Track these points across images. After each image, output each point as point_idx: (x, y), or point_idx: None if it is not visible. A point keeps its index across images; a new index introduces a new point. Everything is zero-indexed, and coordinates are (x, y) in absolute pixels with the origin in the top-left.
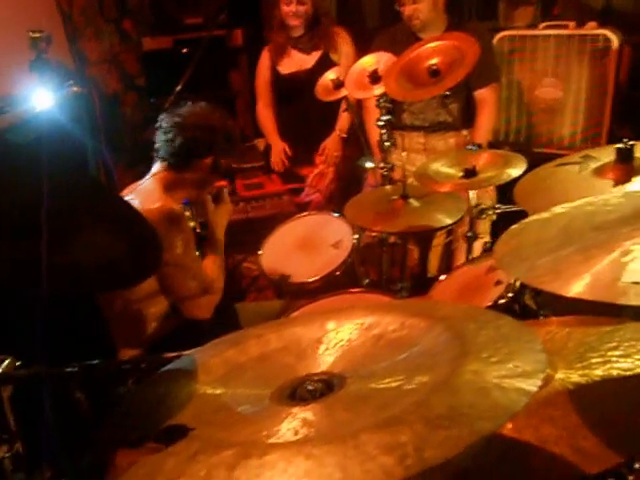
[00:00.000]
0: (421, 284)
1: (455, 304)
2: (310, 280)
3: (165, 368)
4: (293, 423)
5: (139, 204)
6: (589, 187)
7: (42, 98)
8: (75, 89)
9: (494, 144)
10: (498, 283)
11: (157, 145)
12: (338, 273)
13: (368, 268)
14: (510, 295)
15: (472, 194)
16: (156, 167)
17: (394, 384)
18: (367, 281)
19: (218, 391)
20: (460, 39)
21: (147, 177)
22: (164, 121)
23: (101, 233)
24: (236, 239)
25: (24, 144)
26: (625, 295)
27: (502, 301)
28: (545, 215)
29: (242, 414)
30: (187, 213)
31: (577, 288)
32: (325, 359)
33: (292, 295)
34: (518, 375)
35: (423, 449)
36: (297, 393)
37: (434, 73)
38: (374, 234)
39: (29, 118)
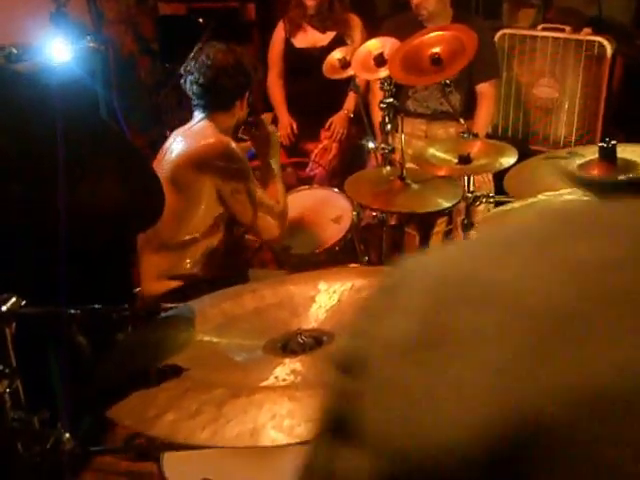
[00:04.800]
0: None
1: None
2: (311, 253)
3: (164, 314)
4: (282, 371)
5: (194, 142)
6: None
7: (60, 50)
8: (92, 44)
9: (492, 138)
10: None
11: (196, 98)
12: (337, 248)
13: (368, 248)
14: None
15: (467, 180)
16: (200, 115)
17: None
18: (366, 259)
19: (214, 339)
20: (462, 31)
21: (194, 122)
22: (195, 73)
23: (108, 178)
24: None
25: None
26: None
27: None
28: (529, 201)
29: (235, 361)
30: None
31: None
32: (316, 317)
33: (292, 267)
34: None
35: None
36: (288, 346)
37: (436, 61)
38: (374, 214)
39: (46, 67)
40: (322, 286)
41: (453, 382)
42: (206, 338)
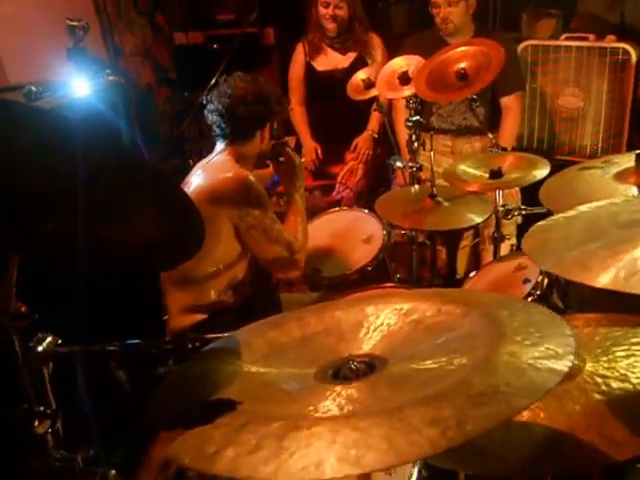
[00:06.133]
0: (450, 284)
1: (487, 293)
2: (343, 274)
3: (208, 347)
4: (338, 399)
5: (212, 176)
6: (611, 190)
7: (79, 85)
8: (112, 78)
9: (517, 150)
10: (526, 281)
11: (215, 127)
12: (370, 268)
13: (397, 266)
14: (538, 293)
15: (499, 195)
16: (220, 146)
17: (434, 365)
18: (398, 277)
19: (262, 369)
20: (487, 45)
21: (213, 155)
22: (215, 102)
23: (148, 212)
24: None
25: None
26: None
27: (530, 299)
28: (571, 213)
29: (287, 391)
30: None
31: (604, 280)
32: (365, 342)
33: (325, 288)
34: (550, 357)
35: (465, 422)
36: (340, 373)
37: (462, 77)
38: (403, 232)
39: (67, 104)
40: (369, 310)
41: None
42: (254, 369)
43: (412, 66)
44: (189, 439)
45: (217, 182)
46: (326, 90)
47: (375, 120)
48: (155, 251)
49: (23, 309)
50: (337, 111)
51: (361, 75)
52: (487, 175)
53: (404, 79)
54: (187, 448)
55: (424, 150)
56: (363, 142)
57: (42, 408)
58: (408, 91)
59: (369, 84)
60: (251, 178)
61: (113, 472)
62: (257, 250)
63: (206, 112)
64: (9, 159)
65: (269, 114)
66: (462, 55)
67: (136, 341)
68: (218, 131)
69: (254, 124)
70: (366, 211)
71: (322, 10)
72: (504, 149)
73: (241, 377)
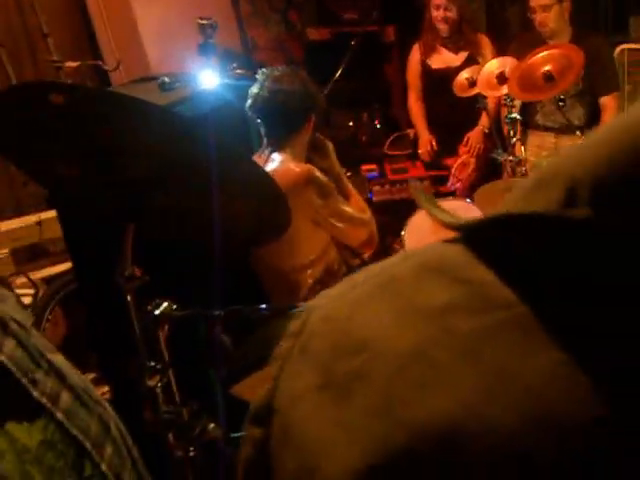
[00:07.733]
0: None
1: None
2: None
3: (295, 310)
4: None
5: (275, 176)
6: None
7: (208, 77)
8: (239, 71)
9: None
10: None
11: (266, 124)
12: None
13: None
14: None
15: None
16: (273, 142)
17: None
18: None
19: None
20: (567, 49)
21: (268, 151)
22: (264, 99)
23: (247, 197)
24: (380, 219)
25: (194, 116)
26: None
27: None
28: None
29: None
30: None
31: None
32: None
33: None
34: None
35: None
36: None
37: (548, 78)
38: None
39: (197, 94)
40: None
41: (340, 426)
42: None
43: (507, 67)
44: (252, 380)
45: (285, 180)
46: (441, 87)
47: (485, 116)
48: (252, 227)
49: (138, 273)
50: (451, 107)
51: (465, 74)
52: None
53: (501, 79)
54: (249, 387)
55: (523, 145)
56: (475, 136)
57: (153, 363)
58: (505, 90)
59: (472, 82)
60: (316, 171)
61: (212, 425)
62: (340, 235)
63: (253, 111)
64: (134, 147)
65: (315, 106)
66: (547, 58)
67: (238, 307)
68: (269, 129)
69: (304, 117)
70: (468, 200)
71: (434, 12)
72: None
73: None
